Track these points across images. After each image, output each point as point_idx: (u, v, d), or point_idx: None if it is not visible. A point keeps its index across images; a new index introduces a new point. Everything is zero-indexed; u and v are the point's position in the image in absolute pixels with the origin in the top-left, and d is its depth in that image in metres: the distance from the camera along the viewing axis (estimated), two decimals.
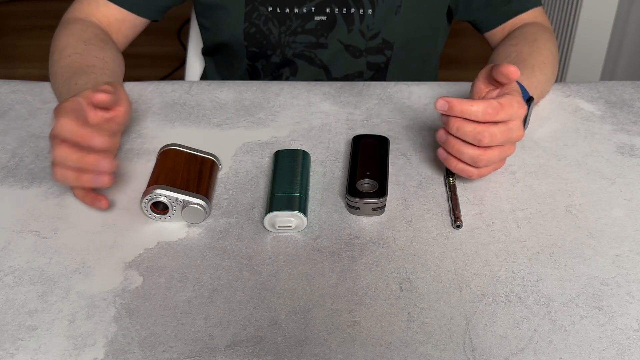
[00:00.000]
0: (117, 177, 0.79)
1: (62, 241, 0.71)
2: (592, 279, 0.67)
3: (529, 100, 0.80)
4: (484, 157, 0.71)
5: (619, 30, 1.88)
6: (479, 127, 0.70)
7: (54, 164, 0.70)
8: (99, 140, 0.68)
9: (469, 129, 0.70)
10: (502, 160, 0.75)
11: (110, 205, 0.74)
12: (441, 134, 0.73)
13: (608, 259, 0.69)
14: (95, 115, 0.73)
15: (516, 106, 0.71)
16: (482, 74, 0.77)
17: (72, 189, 0.75)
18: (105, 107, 0.74)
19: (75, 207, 0.75)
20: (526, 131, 0.87)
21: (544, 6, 2.11)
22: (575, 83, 0.98)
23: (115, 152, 0.78)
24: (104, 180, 0.69)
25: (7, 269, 0.68)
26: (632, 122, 0.90)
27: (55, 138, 0.69)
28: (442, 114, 0.72)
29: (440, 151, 0.75)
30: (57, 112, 0.71)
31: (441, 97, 0.70)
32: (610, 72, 1.95)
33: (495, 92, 0.75)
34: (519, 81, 0.83)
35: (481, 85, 0.77)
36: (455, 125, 0.70)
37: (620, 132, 0.88)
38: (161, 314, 0.63)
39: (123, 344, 0.60)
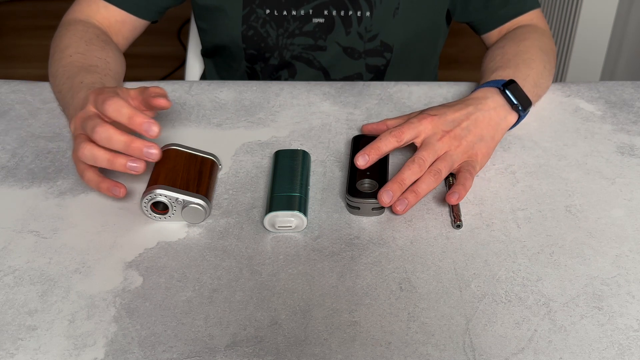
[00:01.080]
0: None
1: (62, 241, 0.71)
2: (592, 279, 0.67)
3: (505, 84, 0.81)
4: (435, 170, 0.74)
5: (619, 30, 1.88)
6: (409, 163, 0.74)
7: (84, 141, 0.69)
8: (156, 128, 0.67)
9: (407, 173, 0.73)
10: (469, 168, 0.76)
11: (109, 197, 0.74)
12: (398, 207, 0.73)
13: (608, 259, 0.69)
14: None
15: (415, 121, 0.76)
16: None
17: (84, 173, 0.72)
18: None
19: (75, 207, 0.75)
20: (526, 131, 0.87)
21: (544, 7, 2.11)
22: (575, 83, 0.98)
23: None
24: (140, 167, 0.68)
25: (7, 269, 0.68)
26: (632, 122, 0.90)
27: (95, 117, 0.69)
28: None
29: (449, 196, 0.73)
30: (103, 93, 0.70)
31: (358, 155, 0.74)
32: (610, 72, 1.95)
33: None
34: (498, 78, 0.85)
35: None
36: (404, 183, 0.73)
37: (620, 132, 0.88)
38: (161, 314, 0.63)
39: (123, 344, 0.60)
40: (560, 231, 0.72)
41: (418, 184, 0.73)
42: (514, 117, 0.81)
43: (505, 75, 0.85)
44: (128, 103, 0.69)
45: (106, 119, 0.70)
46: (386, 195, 0.72)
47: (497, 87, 0.82)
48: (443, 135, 0.76)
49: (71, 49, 0.90)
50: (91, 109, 0.71)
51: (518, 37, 0.96)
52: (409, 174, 0.73)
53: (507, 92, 0.81)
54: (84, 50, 0.90)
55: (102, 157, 0.69)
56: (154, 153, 0.68)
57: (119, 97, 0.69)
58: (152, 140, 0.70)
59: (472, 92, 0.83)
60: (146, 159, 0.68)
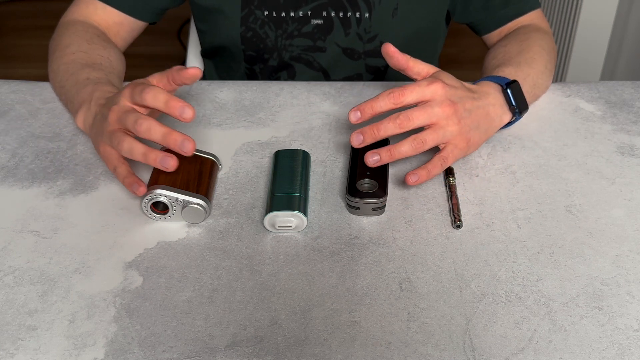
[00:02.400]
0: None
1: (62, 241, 0.71)
2: (592, 279, 0.67)
3: (508, 84, 0.81)
4: (419, 138, 0.72)
5: (619, 30, 1.88)
6: (395, 114, 0.72)
7: (123, 134, 0.70)
8: (190, 111, 0.68)
9: (387, 124, 0.71)
10: (456, 138, 0.75)
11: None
12: (370, 158, 0.73)
13: (608, 259, 0.69)
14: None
15: (424, 84, 0.72)
16: None
17: (117, 168, 0.72)
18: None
19: (75, 207, 0.75)
20: (526, 131, 0.87)
21: (544, 7, 2.11)
22: (575, 83, 0.98)
23: None
24: (172, 163, 0.69)
25: (7, 269, 0.68)
26: (632, 122, 0.90)
27: (134, 111, 0.70)
28: (359, 142, 0.73)
29: (410, 176, 0.73)
30: (138, 85, 0.71)
31: (351, 110, 0.72)
32: (610, 72, 1.95)
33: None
34: (501, 75, 0.84)
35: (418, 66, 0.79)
36: (374, 128, 0.72)
37: (620, 132, 0.88)
38: (161, 314, 0.63)
39: (123, 344, 0.60)
40: (560, 231, 0.72)
41: (397, 146, 0.72)
42: (508, 117, 0.81)
43: (507, 72, 0.85)
44: (163, 90, 0.70)
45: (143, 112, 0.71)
46: (356, 138, 0.71)
47: (500, 85, 0.81)
48: (447, 105, 0.73)
49: (73, 47, 0.90)
50: (127, 103, 0.72)
51: (520, 37, 0.96)
52: (386, 123, 0.71)
53: (509, 91, 0.80)
54: (87, 49, 0.90)
55: (138, 150, 0.70)
56: (188, 145, 0.68)
57: (153, 85, 0.70)
58: (150, 141, 0.70)
59: (475, 82, 0.82)
60: (180, 149, 0.68)
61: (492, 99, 0.79)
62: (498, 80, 0.82)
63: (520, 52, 0.91)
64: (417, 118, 0.72)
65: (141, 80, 0.74)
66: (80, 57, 0.88)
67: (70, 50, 0.89)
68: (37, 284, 0.66)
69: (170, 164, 0.69)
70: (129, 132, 0.71)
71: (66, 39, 0.92)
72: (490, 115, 0.79)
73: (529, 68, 0.88)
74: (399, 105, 0.72)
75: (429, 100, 0.73)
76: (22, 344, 0.60)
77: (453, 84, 0.75)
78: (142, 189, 0.71)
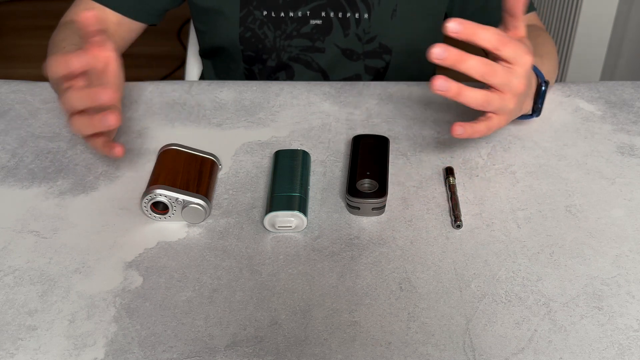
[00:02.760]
0: (124, 160, 0.79)
1: (62, 241, 0.71)
2: (592, 279, 0.67)
3: (546, 82, 0.81)
4: (488, 97, 0.70)
5: (619, 30, 1.88)
6: (485, 60, 0.69)
7: (67, 114, 0.70)
8: (105, 93, 0.66)
9: (473, 62, 0.69)
10: (503, 116, 0.73)
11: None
12: (441, 82, 0.70)
13: (608, 259, 0.69)
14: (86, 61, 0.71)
15: (523, 49, 0.71)
16: (502, 22, 0.76)
17: (88, 140, 0.72)
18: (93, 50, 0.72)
19: (75, 207, 0.75)
20: (526, 131, 0.87)
21: (544, 6, 2.11)
22: (575, 83, 0.98)
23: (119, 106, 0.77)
24: (112, 119, 0.67)
25: (7, 269, 0.68)
26: (632, 122, 0.90)
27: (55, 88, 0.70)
28: (439, 58, 0.69)
29: (456, 127, 0.71)
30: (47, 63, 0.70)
31: (450, 19, 0.69)
32: (610, 72, 1.95)
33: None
34: (536, 65, 0.83)
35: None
36: (461, 57, 0.69)
37: (620, 132, 0.88)
38: (161, 314, 0.63)
39: (123, 344, 0.60)
40: (560, 231, 0.72)
41: (465, 89, 0.70)
42: (527, 110, 0.81)
43: (536, 63, 0.83)
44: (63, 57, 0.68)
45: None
46: (452, 22, 0.68)
47: (539, 79, 0.80)
48: (522, 84, 0.72)
49: (66, 41, 0.90)
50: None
51: (531, 33, 0.96)
52: (475, 62, 0.68)
53: (543, 89, 0.80)
54: (77, 41, 0.90)
55: (84, 124, 0.69)
56: (112, 119, 0.67)
57: (52, 60, 0.68)
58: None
59: None
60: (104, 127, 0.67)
61: (531, 92, 0.79)
62: (537, 72, 0.81)
63: (537, 45, 0.91)
64: (499, 77, 0.70)
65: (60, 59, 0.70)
66: (70, 50, 0.88)
67: (63, 45, 0.90)
68: (37, 284, 0.66)
69: (109, 119, 0.67)
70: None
71: (61, 34, 0.93)
72: (523, 107, 0.79)
73: (548, 64, 0.89)
74: (495, 51, 0.70)
75: (513, 65, 0.71)
76: (22, 344, 0.60)
77: (534, 61, 0.73)
78: (119, 149, 0.70)
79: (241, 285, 0.66)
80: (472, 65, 0.69)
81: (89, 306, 0.64)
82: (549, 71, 0.88)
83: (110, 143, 0.71)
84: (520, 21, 0.74)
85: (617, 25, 1.88)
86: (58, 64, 0.68)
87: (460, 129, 0.71)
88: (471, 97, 0.70)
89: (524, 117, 0.84)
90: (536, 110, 0.82)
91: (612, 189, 0.78)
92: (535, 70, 0.81)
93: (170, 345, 0.60)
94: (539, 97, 0.81)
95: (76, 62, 0.67)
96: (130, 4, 0.98)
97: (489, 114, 0.73)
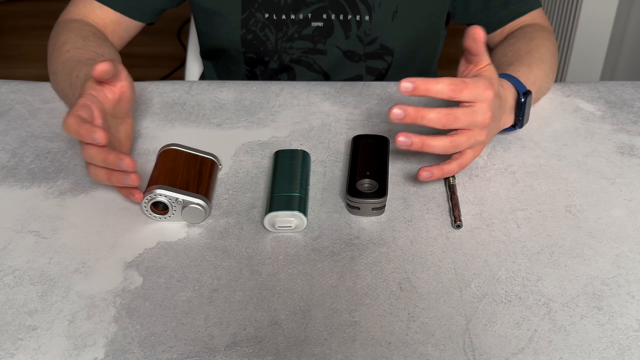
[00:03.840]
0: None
1: (62, 241, 0.71)
2: (592, 279, 0.67)
3: (525, 93, 0.81)
4: (452, 143, 0.72)
5: (619, 30, 1.88)
6: (444, 110, 0.70)
7: (86, 162, 0.70)
8: (99, 135, 0.66)
9: (432, 115, 0.69)
10: (477, 147, 0.75)
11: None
12: (403, 139, 0.70)
13: (608, 259, 0.69)
14: (105, 102, 0.73)
15: (482, 87, 0.71)
16: (464, 55, 0.77)
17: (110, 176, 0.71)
18: (108, 85, 0.74)
19: (75, 207, 0.75)
20: (526, 131, 0.87)
21: (544, 6, 2.11)
22: (575, 83, 0.98)
23: (132, 133, 0.79)
24: (132, 179, 0.68)
25: (7, 269, 0.68)
26: (632, 122, 0.90)
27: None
28: (399, 118, 0.70)
29: (422, 172, 0.73)
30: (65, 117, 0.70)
31: (404, 79, 0.69)
32: (610, 72, 1.95)
33: (467, 73, 0.75)
34: (516, 75, 0.83)
35: (461, 67, 0.77)
36: (420, 114, 0.69)
37: (620, 132, 0.88)
38: (161, 314, 0.63)
39: (123, 344, 0.60)
40: (560, 231, 0.72)
41: (430, 140, 0.70)
42: (508, 124, 0.81)
43: (521, 72, 0.85)
44: (79, 116, 0.67)
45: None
46: (396, 113, 0.68)
47: (517, 92, 0.81)
48: (488, 118, 0.72)
49: (68, 45, 0.90)
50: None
51: (528, 36, 0.96)
52: (433, 116, 0.69)
53: (523, 102, 0.80)
54: (81, 45, 0.90)
55: (102, 176, 0.69)
56: (132, 179, 0.68)
57: (69, 116, 0.67)
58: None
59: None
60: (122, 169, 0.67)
61: (508, 107, 0.80)
62: (516, 83, 0.81)
63: (529, 51, 0.91)
64: (462, 122, 0.71)
65: (88, 92, 0.72)
66: (74, 54, 0.88)
67: (66, 48, 0.89)
68: (37, 284, 0.66)
69: (130, 178, 0.68)
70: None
71: (62, 37, 0.92)
72: (501, 124, 0.80)
73: (538, 70, 0.88)
74: (452, 98, 0.70)
75: (475, 103, 0.71)
76: (22, 344, 0.60)
77: (497, 91, 0.74)
78: (139, 196, 0.71)
79: (241, 285, 0.66)
80: (431, 118, 0.70)
81: (89, 306, 0.64)
82: (537, 77, 0.87)
83: (130, 189, 0.72)
84: (482, 55, 0.74)
85: (617, 25, 1.88)
86: (79, 130, 0.67)
87: (427, 174, 0.73)
88: (437, 145, 0.72)
89: (507, 130, 0.84)
90: (517, 122, 0.82)
91: (612, 189, 0.78)
92: (513, 81, 0.81)
93: (170, 345, 0.60)
94: (519, 110, 0.81)
95: (100, 135, 0.66)
96: (129, 3, 0.98)
97: (463, 150, 0.74)
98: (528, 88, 0.83)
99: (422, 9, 1.00)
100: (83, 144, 0.68)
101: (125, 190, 0.72)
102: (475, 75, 0.73)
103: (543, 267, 0.68)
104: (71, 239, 0.71)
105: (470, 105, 0.71)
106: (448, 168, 0.74)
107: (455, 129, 0.72)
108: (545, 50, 0.93)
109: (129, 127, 0.78)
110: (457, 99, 0.71)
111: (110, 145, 0.71)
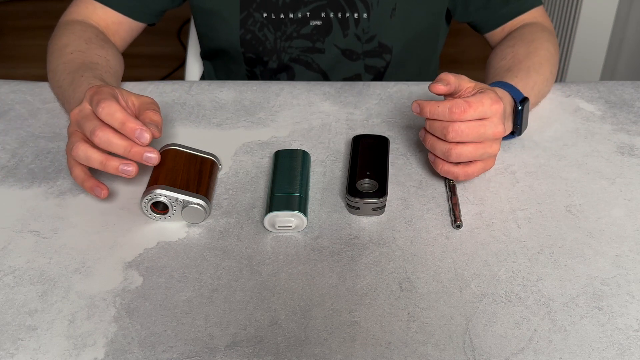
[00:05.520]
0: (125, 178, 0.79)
1: (62, 241, 0.71)
2: (592, 279, 0.67)
3: (522, 100, 0.80)
4: (454, 151, 0.73)
5: (619, 30, 1.88)
6: (445, 123, 0.72)
7: (79, 140, 0.69)
8: (147, 135, 0.68)
9: (436, 125, 0.73)
10: (487, 160, 0.75)
11: (109, 196, 0.74)
12: (421, 132, 0.77)
13: (608, 259, 0.69)
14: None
15: (488, 103, 0.72)
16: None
17: (72, 169, 0.72)
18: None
19: (75, 207, 0.75)
20: (526, 131, 0.87)
21: (544, 7, 2.11)
22: (575, 83, 0.98)
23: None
24: (133, 171, 0.68)
25: (7, 269, 0.68)
26: (632, 122, 0.90)
27: (93, 118, 0.69)
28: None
29: (429, 155, 0.77)
30: (99, 92, 0.70)
31: (416, 100, 0.74)
32: (610, 72, 1.95)
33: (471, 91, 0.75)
34: (514, 81, 0.83)
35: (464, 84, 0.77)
36: (427, 123, 0.74)
37: (620, 132, 0.88)
38: (161, 314, 0.63)
39: (123, 344, 0.60)
40: (560, 231, 0.72)
41: (446, 165, 0.75)
42: (507, 131, 0.81)
43: (519, 78, 0.85)
44: (122, 107, 0.69)
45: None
46: (415, 104, 0.75)
47: (513, 99, 0.81)
48: (500, 130, 0.73)
49: (71, 46, 0.90)
50: (87, 106, 0.71)
51: (527, 37, 0.95)
52: (438, 146, 0.74)
53: (520, 109, 0.80)
54: (84, 48, 0.90)
55: (95, 159, 0.69)
56: (153, 157, 0.69)
57: (113, 100, 0.69)
58: (152, 144, 0.70)
59: (491, 85, 0.82)
60: (145, 163, 0.69)
61: (506, 115, 0.79)
62: (513, 92, 0.81)
63: (528, 54, 0.91)
64: (467, 136, 0.72)
65: (107, 89, 0.72)
66: (77, 56, 0.88)
67: (68, 50, 0.90)
68: (37, 284, 0.66)
69: (130, 171, 0.69)
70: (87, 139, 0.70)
71: (64, 38, 0.92)
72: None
73: (536, 74, 0.88)
74: (456, 121, 0.71)
75: (485, 120, 0.72)
76: (22, 344, 0.60)
77: (501, 102, 0.74)
78: (105, 192, 0.71)
79: (241, 285, 0.66)
80: (454, 169, 0.75)
81: (89, 306, 0.64)
82: (536, 82, 0.87)
83: (98, 182, 0.71)
84: (457, 87, 0.75)
85: (617, 26, 1.88)
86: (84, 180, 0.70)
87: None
88: (438, 147, 0.74)
89: (505, 138, 0.84)
90: (516, 130, 0.82)
91: (612, 189, 0.78)
92: (509, 89, 0.81)
93: (170, 345, 0.60)
94: (517, 117, 0.81)
95: (146, 135, 0.68)
96: (130, 4, 0.98)
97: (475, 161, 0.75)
98: (526, 94, 0.83)
99: (420, 7, 1.00)
100: (100, 124, 0.68)
101: (91, 183, 0.71)
102: (478, 92, 0.74)
103: (543, 267, 0.68)
104: (71, 239, 0.71)
105: (478, 121, 0.72)
106: (448, 168, 0.74)
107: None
108: (545, 52, 0.92)
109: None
110: (463, 119, 0.71)
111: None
